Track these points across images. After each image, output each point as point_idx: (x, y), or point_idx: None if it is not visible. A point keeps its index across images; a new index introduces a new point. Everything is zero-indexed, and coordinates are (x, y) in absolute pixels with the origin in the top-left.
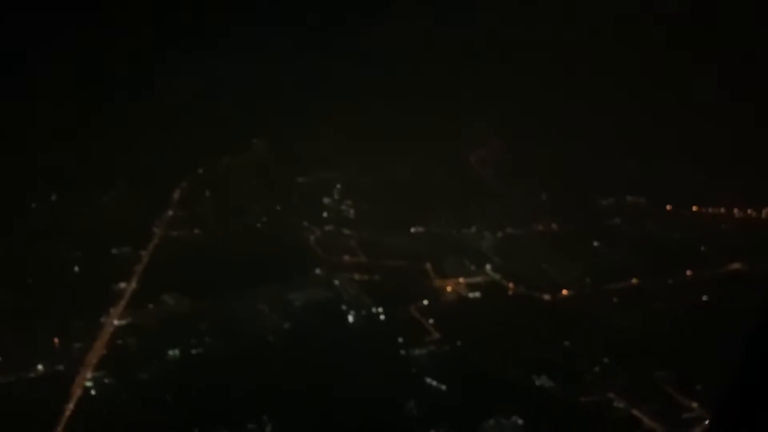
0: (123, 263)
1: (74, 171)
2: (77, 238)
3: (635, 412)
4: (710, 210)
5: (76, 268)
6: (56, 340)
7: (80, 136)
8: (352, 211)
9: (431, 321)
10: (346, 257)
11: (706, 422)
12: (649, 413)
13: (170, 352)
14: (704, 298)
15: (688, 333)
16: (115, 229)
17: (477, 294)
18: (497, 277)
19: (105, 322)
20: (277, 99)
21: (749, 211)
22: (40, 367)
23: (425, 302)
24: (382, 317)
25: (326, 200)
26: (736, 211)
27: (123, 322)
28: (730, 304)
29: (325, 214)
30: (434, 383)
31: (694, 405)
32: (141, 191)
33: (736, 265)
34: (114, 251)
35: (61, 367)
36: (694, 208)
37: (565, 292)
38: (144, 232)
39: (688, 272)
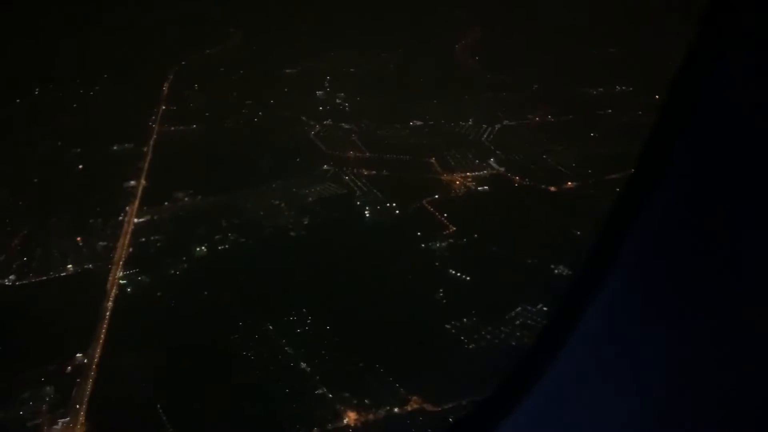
0: (127, 160)
1: (52, 67)
2: (73, 135)
3: None
4: None
5: (80, 167)
6: (78, 238)
7: (53, 33)
8: (347, 105)
9: (445, 215)
10: (351, 152)
11: None
12: None
13: (197, 249)
14: None
15: None
16: (110, 125)
17: (486, 187)
18: (502, 169)
19: (123, 220)
20: None
21: None
22: (69, 266)
23: (436, 196)
24: (397, 212)
25: (319, 93)
26: None
27: (142, 219)
28: None
29: (320, 108)
30: (458, 274)
31: None
32: (127, 86)
33: None
34: (115, 148)
35: (90, 266)
36: None
37: (570, 183)
38: (141, 128)
39: None
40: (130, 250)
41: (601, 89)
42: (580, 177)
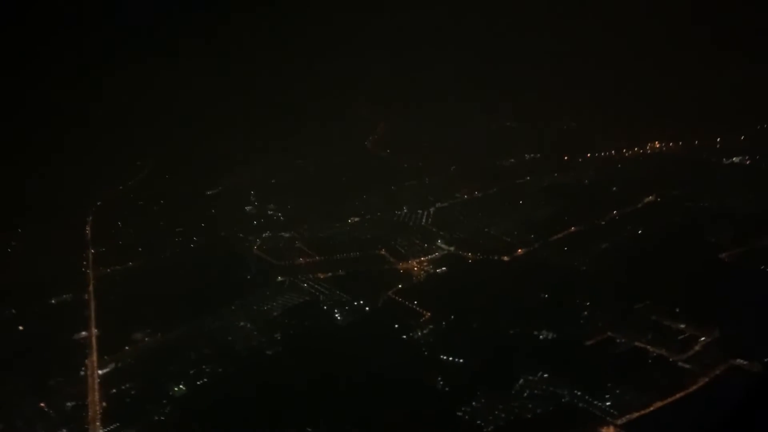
0: (69, 311)
1: None
2: (2, 295)
3: (638, 344)
4: (603, 154)
5: (20, 327)
6: (42, 404)
7: None
8: (280, 214)
9: (415, 302)
10: (300, 259)
11: (702, 340)
12: (650, 342)
13: (176, 388)
14: (638, 231)
15: (642, 263)
16: (41, 279)
17: (443, 268)
18: (452, 248)
19: (86, 374)
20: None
21: (636, 149)
22: None
23: (400, 286)
24: (367, 308)
25: (248, 208)
26: (625, 151)
27: (106, 369)
28: (660, 230)
29: (254, 222)
30: (450, 358)
31: (682, 326)
32: (47, 235)
33: (650, 198)
34: (53, 301)
35: (64, 431)
36: (588, 155)
37: (519, 251)
38: (75, 275)
39: (614, 212)
40: (104, 404)
41: (512, 160)
42: (525, 243)
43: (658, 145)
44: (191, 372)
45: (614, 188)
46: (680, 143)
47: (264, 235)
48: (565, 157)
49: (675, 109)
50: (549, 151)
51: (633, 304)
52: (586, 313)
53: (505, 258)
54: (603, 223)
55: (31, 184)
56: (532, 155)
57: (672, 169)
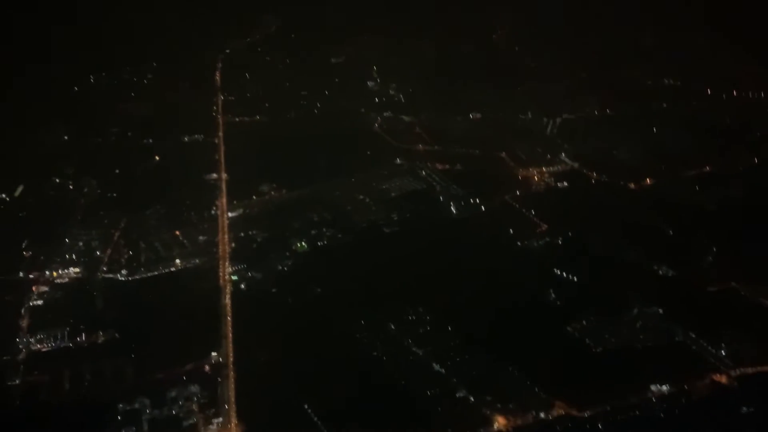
0: (201, 151)
1: (100, 54)
2: (139, 125)
3: (763, 300)
4: (751, 95)
5: (157, 158)
6: (177, 232)
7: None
8: (401, 96)
9: (532, 212)
10: (420, 146)
11: None
12: None
13: (298, 244)
14: None
15: None
16: (173, 115)
17: (564, 183)
18: (576, 164)
19: (216, 214)
20: None
21: None
22: (177, 261)
23: (517, 192)
24: (483, 207)
25: (370, 83)
26: None
27: (235, 213)
28: None
29: (376, 99)
30: (564, 275)
31: None
32: (178, 74)
33: None
34: (186, 139)
35: (197, 261)
36: (733, 93)
37: (648, 180)
38: (205, 118)
39: (755, 159)
40: (232, 245)
41: (649, 82)
42: (655, 173)
43: None
44: (313, 232)
45: (758, 134)
46: None
47: (385, 114)
48: (708, 91)
49: None
50: (690, 79)
51: (762, 260)
52: (710, 258)
53: (632, 185)
54: (741, 169)
55: (170, 19)
56: (671, 81)
57: None
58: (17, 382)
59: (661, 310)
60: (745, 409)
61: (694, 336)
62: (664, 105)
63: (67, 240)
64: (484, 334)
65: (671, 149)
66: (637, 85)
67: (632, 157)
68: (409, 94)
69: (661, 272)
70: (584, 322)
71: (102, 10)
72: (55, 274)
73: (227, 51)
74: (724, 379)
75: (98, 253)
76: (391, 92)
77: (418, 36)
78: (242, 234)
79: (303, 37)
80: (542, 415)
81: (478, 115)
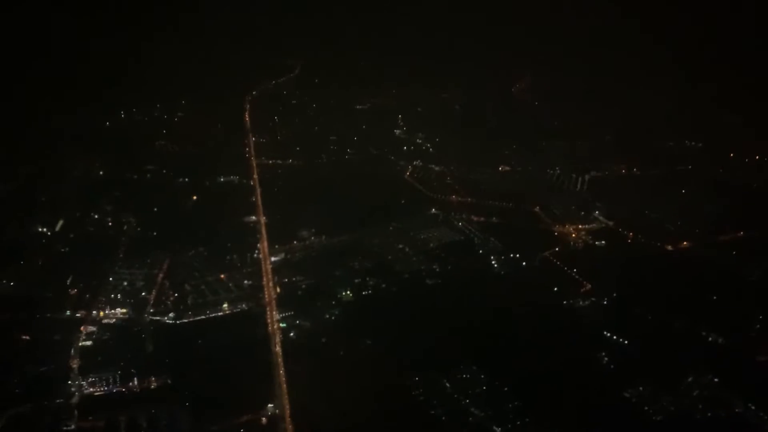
0: (238, 193)
1: (129, 90)
2: (174, 162)
3: None
4: None
5: (194, 197)
6: (222, 276)
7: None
8: (429, 146)
9: (575, 270)
10: (453, 197)
11: None
12: None
13: (344, 293)
14: None
15: None
16: (207, 154)
17: (602, 242)
18: (611, 223)
19: (259, 257)
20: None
21: None
22: (225, 305)
23: (557, 249)
24: (523, 263)
25: (397, 132)
26: None
27: (277, 258)
28: None
29: (404, 148)
30: (614, 337)
31: None
32: (207, 113)
33: None
34: (221, 179)
35: (244, 306)
36: (756, 157)
37: (684, 243)
38: (238, 159)
39: None
40: (278, 290)
41: (671, 143)
42: (690, 236)
43: None
44: (356, 281)
45: None
46: None
47: (415, 163)
48: (731, 154)
49: None
50: (710, 142)
51: None
52: (758, 326)
53: (669, 247)
54: None
55: (197, 58)
56: (693, 143)
57: None
58: (72, 427)
59: (716, 379)
60: None
61: (753, 408)
62: (690, 167)
63: (111, 278)
64: (542, 397)
65: (702, 211)
66: (660, 146)
67: (665, 217)
68: (437, 143)
69: (710, 339)
70: (641, 389)
71: (128, 47)
72: (102, 313)
73: (254, 93)
74: None
75: (144, 294)
76: (419, 141)
77: (442, 86)
78: (286, 280)
79: (326, 81)
80: None
81: (507, 168)
